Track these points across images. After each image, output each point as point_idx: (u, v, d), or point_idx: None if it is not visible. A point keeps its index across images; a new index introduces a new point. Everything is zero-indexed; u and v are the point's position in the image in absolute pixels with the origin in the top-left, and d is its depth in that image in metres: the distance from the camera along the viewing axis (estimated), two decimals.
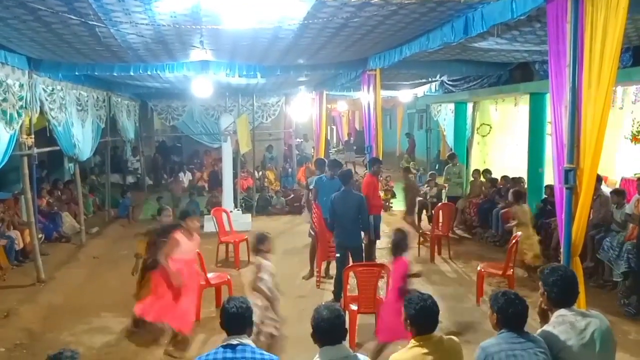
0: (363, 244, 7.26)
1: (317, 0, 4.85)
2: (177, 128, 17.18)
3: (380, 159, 8.89)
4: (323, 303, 3.19)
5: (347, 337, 5.46)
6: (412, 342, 3.11)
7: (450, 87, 12.41)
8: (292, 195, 14.10)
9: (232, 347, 2.91)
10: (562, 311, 3.05)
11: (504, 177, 11.05)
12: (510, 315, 2.95)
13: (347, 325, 3.13)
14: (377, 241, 8.30)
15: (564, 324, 3.00)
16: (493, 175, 11.81)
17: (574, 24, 3.93)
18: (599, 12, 3.76)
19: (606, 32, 3.72)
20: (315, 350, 3.01)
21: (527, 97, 9.76)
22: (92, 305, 7.09)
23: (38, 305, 7.14)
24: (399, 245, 5.21)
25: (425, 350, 3.03)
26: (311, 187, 8.69)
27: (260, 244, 5.05)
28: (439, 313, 3.17)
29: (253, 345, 2.99)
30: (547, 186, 8.96)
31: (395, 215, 13.01)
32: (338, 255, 6.93)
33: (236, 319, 3.01)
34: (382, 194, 13.40)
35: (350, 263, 6.65)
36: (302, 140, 20.69)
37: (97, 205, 13.42)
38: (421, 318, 3.10)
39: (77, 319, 6.62)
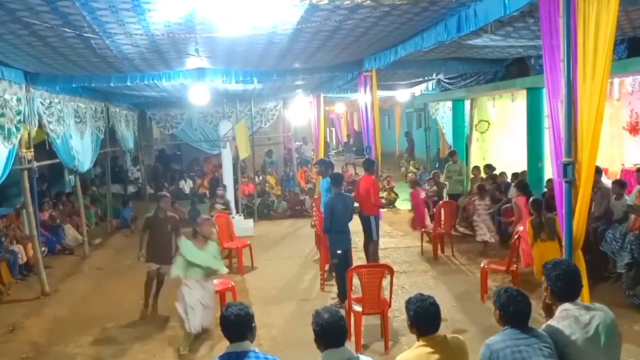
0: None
1: (309, 4, 4.87)
2: (176, 136, 17.21)
3: (377, 159, 8.95)
4: (324, 306, 3.19)
5: (353, 339, 5.52)
6: (418, 342, 3.12)
7: (447, 85, 12.43)
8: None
9: (237, 354, 2.90)
10: (566, 305, 3.04)
11: (502, 174, 11.06)
12: (512, 312, 2.94)
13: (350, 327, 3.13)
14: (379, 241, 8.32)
15: (568, 319, 2.99)
16: (494, 172, 11.81)
17: (567, 19, 3.94)
18: (591, 6, 3.77)
19: (599, 26, 3.73)
20: (319, 353, 3.01)
21: (524, 92, 9.78)
22: (97, 316, 7.10)
23: (43, 318, 7.14)
24: None
25: (430, 350, 3.04)
26: None
27: None
28: (440, 312, 3.17)
29: (257, 350, 2.98)
30: (549, 180, 8.93)
31: (400, 214, 13.03)
32: (337, 258, 6.96)
33: (236, 326, 2.98)
34: (384, 194, 13.47)
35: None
36: (301, 143, 20.71)
37: (99, 216, 13.44)
38: (421, 319, 3.11)
39: (83, 330, 6.63)
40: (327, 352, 2.94)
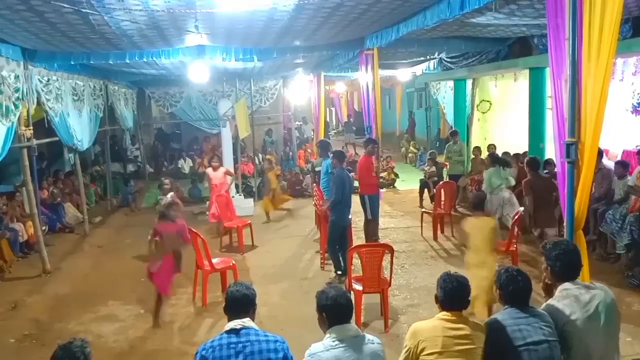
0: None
1: None
2: (176, 115, 17.12)
3: (377, 139, 8.95)
4: (330, 282, 3.20)
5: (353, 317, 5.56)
6: (439, 314, 3.05)
7: (449, 64, 12.32)
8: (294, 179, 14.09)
9: (236, 332, 2.93)
10: (566, 285, 3.06)
11: (505, 153, 10.99)
12: (512, 291, 2.95)
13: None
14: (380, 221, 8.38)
15: (568, 298, 3.01)
16: (496, 151, 11.75)
17: None
18: None
19: (605, 4, 3.66)
20: (320, 331, 3.03)
21: (527, 72, 9.69)
22: (98, 294, 7.14)
23: (45, 295, 7.18)
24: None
25: (450, 325, 2.96)
26: (318, 169, 8.85)
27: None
28: (468, 291, 3.07)
29: (256, 327, 3.01)
30: (545, 161, 8.81)
31: (400, 194, 13.05)
32: (338, 233, 7.16)
33: (241, 303, 3.04)
34: (384, 174, 13.46)
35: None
36: (301, 123, 20.63)
37: (99, 194, 13.44)
38: (449, 297, 3.03)
39: (85, 308, 6.68)
40: (334, 329, 2.94)
